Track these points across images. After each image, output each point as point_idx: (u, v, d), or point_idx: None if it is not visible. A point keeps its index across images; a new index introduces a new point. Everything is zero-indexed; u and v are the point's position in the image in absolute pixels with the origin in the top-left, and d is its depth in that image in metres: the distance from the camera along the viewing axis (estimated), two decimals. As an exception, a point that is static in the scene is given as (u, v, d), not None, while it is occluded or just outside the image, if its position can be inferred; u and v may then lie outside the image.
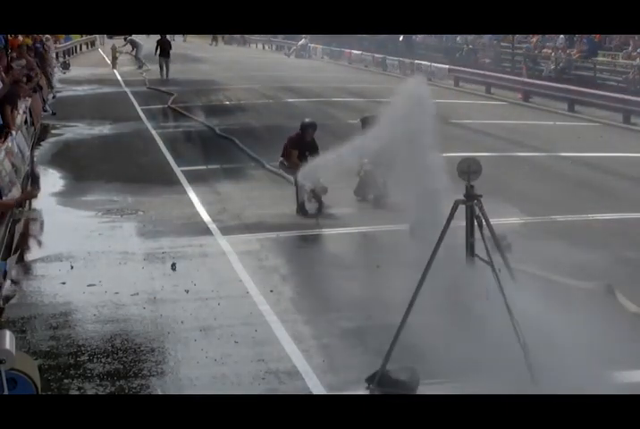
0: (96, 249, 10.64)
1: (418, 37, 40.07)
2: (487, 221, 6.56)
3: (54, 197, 13.33)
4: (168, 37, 35.78)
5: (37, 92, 20.24)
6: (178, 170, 14.92)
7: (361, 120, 12.54)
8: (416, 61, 34.08)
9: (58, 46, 40.71)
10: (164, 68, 31.01)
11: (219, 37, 64.45)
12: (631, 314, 8.10)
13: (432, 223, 6.29)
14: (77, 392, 6.64)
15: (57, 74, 33.51)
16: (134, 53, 35.46)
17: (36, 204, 12.91)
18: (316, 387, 6.60)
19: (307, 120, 12.93)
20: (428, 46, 39.06)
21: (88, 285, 9.11)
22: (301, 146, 12.46)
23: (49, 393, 6.43)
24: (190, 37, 63.70)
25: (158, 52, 30.92)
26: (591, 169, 15.06)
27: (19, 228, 11.36)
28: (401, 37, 39.79)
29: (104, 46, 50.95)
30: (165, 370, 6.99)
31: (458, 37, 36.93)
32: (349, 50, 41.96)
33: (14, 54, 21.53)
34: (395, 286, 8.77)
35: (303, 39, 47.75)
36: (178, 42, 62.84)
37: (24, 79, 18.20)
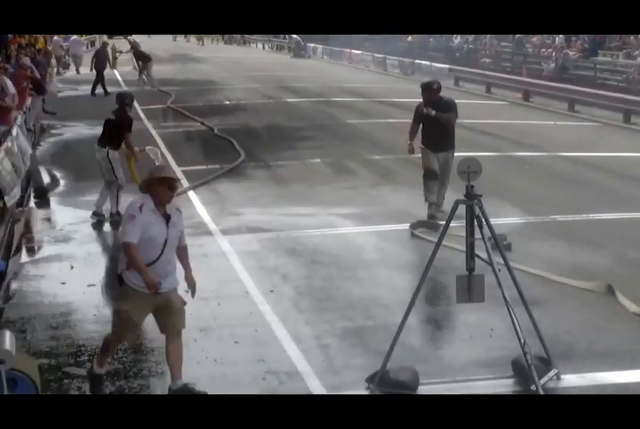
0: (96, 249, 10.65)
1: (418, 37, 40.04)
2: (487, 221, 6.56)
3: (54, 197, 13.34)
4: (170, 37, 35.51)
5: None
6: (178, 170, 14.91)
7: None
8: (416, 61, 34.09)
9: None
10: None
11: (218, 36, 64.55)
12: (631, 314, 8.09)
13: None
14: (77, 392, 6.63)
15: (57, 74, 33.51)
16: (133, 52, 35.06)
17: (35, 204, 12.93)
18: (316, 387, 6.60)
19: (124, 92, 12.49)
20: (428, 46, 39.05)
21: (88, 285, 9.11)
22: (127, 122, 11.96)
23: (49, 393, 6.42)
24: (193, 38, 63.75)
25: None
26: (591, 169, 15.05)
27: (19, 228, 11.35)
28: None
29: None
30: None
31: (460, 37, 36.91)
32: (349, 50, 41.96)
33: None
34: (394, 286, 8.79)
35: (289, 37, 48.11)
36: (180, 42, 62.97)
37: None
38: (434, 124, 11.31)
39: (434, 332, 7.96)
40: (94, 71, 27.76)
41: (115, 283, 6.55)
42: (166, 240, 6.26)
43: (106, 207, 11.71)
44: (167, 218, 6.28)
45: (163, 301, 6.39)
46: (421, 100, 11.62)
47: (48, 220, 12.23)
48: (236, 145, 17.03)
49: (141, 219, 6.18)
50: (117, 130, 11.65)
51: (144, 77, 30.03)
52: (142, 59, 30.15)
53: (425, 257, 6.69)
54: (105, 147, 11.57)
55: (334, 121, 21.16)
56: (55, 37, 34.51)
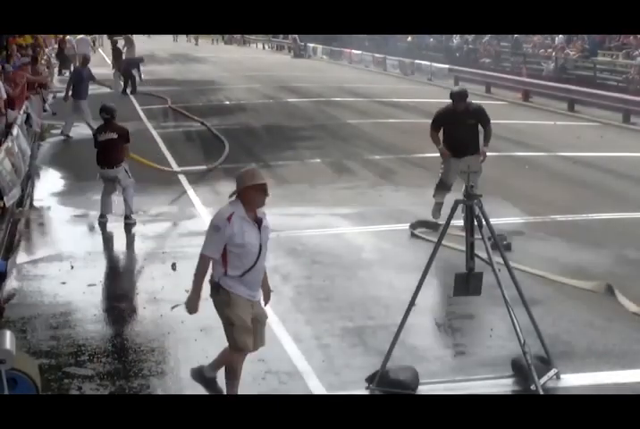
0: (96, 249, 10.64)
1: (417, 37, 40.04)
2: (487, 220, 6.57)
3: (54, 197, 13.34)
4: (170, 37, 34.74)
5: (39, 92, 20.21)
6: (178, 169, 14.94)
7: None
8: (416, 61, 34.09)
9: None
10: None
11: (218, 36, 64.60)
12: (631, 313, 8.10)
13: None
14: (77, 392, 6.63)
15: (57, 74, 33.51)
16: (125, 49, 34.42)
17: (36, 203, 12.93)
18: (316, 387, 6.60)
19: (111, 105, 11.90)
20: (428, 46, 39.06)
21: (88, 285, 9.11)
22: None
23: (49, 393, 6.43)
24: (193, 38, 63.86)
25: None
26: (591, 169, 15.06)
27: (19, 228, 11.36)
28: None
29: (103, 47, 50.97)
30: (165, 370, 6.99)
31: (459, 37, 36.90)
32: (349, 50, 41.97)
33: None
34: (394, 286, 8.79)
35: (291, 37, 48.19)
36: (180, 42, 63.02)
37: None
38: (461, 130, 10.73)
39: (434, 331, 7.96)
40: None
41: (212, 292, 6.20)
42: (260, 246, 6.06)
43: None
44: (259, 223, 6.07)
45: (255, 312, 6.19)
46: (443, 107, 11.05)
47: (48, 220, 12.22)
48: (226, 145, 17.03)
49: (228, 231, 5.91)
50: (122, 145, 11.60)
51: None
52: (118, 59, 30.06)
53: (425, 257, 6.69)
54: (120, 165, 11.51)
55: (334, 121, 21.16)
56: (68, 37, 34.55)
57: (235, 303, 6.06)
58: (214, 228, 5.97)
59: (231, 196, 6.10)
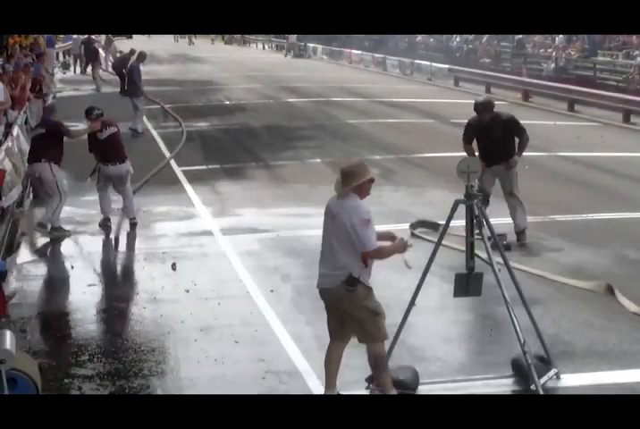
0: (96, 249, 10.64)
1: (419, 37, 40.06)
2: (487, 220, 6.57)
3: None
4: (171, 37, 34.07)
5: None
6: (178, 170, 14.93)
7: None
8: (416, 61, 34.09)
9: (59, 45, 40.75)
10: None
11: (218, 36, 64.61)
12: (631, 313, 8.10)
13: None
14: (77, 392, 6.63)
15: (57, 74, 33.53)
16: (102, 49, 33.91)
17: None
18: (316, 387, 6.60)
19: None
20: (428, 46, 39.07)
21: (88, 285, 9.11)
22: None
23: (49, 393, 6.42)
24: (194, 38, 63.87)
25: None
26: (591, 169, 15.06)
27: (19, 228, 11.36)
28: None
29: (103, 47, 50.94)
30: (165, 370, 6.99)
31: (459, 37, 36.91)
32: (349, 50, 41.97)
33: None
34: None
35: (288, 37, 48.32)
36: (181, 43, 63.01)
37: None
38: (490, 141, 10.35)
39: (434, 331, 7.96)
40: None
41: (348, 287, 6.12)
42: None
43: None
44: None
45: None
46: (472, 118, 10.82)
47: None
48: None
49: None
50: (120, 137, 11.51)
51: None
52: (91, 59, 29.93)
53: (425, 257, 6.68)
54: (125, 161, 11.35)
55: (334, 121, 21.16)
56: (74, 37, 34.72)
57: (374, 294, 6.15)
58: (367, 221, 5.96)
59: (343, 191, 6.08)
